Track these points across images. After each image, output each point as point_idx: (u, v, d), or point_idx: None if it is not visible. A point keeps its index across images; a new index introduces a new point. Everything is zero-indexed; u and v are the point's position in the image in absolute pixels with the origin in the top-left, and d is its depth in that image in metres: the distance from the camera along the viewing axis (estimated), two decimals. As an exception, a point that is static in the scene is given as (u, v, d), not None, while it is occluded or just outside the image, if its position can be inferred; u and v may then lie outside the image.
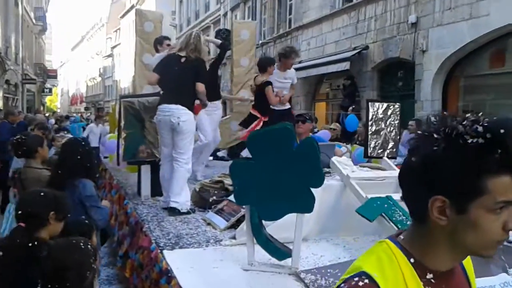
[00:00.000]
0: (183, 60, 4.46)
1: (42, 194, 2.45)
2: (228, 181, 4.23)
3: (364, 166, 3.83)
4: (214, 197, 4.22)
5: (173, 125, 4.32)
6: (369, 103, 4.32)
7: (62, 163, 3.49)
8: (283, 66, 6.08)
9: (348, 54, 11.86)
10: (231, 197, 3.63)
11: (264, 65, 5.96)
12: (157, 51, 6.15)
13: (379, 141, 4.25)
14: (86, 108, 59.97)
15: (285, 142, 2.57)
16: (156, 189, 4.66)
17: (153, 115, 4.35)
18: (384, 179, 3.53)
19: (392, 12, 10.70)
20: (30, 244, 2.20)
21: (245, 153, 5.88)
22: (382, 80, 11.69)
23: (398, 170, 3.35)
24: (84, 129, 17.20)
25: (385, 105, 4.33)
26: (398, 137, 4.47)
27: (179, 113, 4.30)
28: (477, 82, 9.56)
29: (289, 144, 2.58)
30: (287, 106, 6.12)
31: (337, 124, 9.12)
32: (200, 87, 4.43)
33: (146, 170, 4.69)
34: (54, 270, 1.95)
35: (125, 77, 48.75)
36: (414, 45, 9.96)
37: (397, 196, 2.84)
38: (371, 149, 4.20)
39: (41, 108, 32.88)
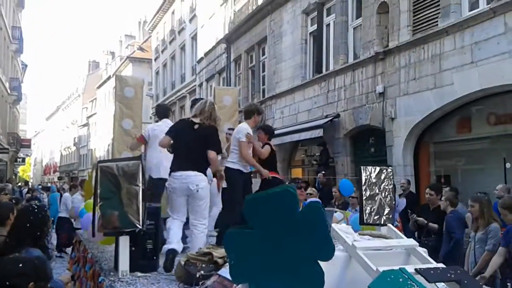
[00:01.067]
0: (196, 126, 4.56)
1: (20, 265, 2.33)
2: (217, 253, 3.87)
3: (364, 234, 3.53)
4: (202, 272, 3.81)
5: (191, 192, 4.44)
6: (362, 168, 4.12)
7: (11, 231, 3.40)
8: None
9: (320, 122, 12.14)
10: (222, 272, 3.35)
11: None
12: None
13: (374, 207, 4.05)
14: (60, 178, 58.95)
15: (287, 208, 2.25)
16: (136, 264, 4.23)
17: (133, 181, 4.07)
18: (391, 249, 3.24)
19: (360, 82, 11.14)
20: None
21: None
22: (354, 146, 11.93)
23: (407, 239, 3.05)
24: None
25: (377, 169, 4.14)
26: (394, 202, 4.30)
27: (197, 179, 4.44)
28: (447, 148, 9.85)
29: (293, 209, 2.27)
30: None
31: (314, 189, 9.16)
32: (213, 155, 4.54)
33: (124, 241, 4.18)
34: None
35: (100, 145, 48.58)
36: (383, 113, 10.29)
37: (410, 268, 2.56)
38: (367, 215, 3.99)
39: (13, 178, 32.15)
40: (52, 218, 15.93)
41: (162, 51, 31.27)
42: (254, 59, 17.66)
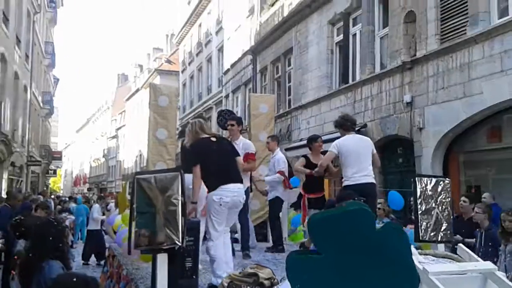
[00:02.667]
0: (214, 139, 4.74)
1: (74, 279, 2.46)
2: (263, 274, 3.62)
3: (426, 254, 3.12)
4: None
5: (238, 205, 4.66)
6: (417, 179, 3.83)
7: (33, 246, 3.47)
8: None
9: (347, 132, 12.05)
10: None
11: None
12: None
13: (430, 222, 3.73)
14: (89, 189, 60.04)
15: (363, 229, 1.88)
16: (175, 283, 3.88)
17: (172, 194, 3.71)
18: (466, 273, 2.87)
19: (387, 92, 11.08)
20: None
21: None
22: (382, 156, 11.77)
23: (483, 262, 2.83)
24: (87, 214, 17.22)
25: (434, 180, 3.86)
26: (452, 218, 3.98)
27: (243, 192, 4.68)
28: (476, 157, 9.67)
29: (369, 231, 1.91)
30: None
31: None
32: (240, 160, 4.99)
33: (162, 260, 3.76)
34: None
35: (129, 157, 49.40)
36: (411, 123, 10.19)
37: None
38: (423, 231, 3.68)
39: (45, 190, 32.95)
40: (80, 230, 16.34)
41: (189, 63, 31.75)
42: (280, 70, 17.76)
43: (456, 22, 9.23)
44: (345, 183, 5.67)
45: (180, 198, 3.66)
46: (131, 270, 5.10)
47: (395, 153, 11.49)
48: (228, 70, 23.45)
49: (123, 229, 5.75)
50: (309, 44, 15.03)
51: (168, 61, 38.29)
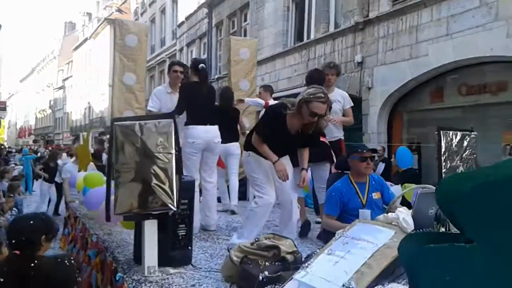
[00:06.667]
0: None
1: (31, 222, 2.58)
2: (284, 247, 2.83)
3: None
4: (266, 273, 2.62)
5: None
6: (441, 132, 3.28)
7: None
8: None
9: (300, 90, 12.33)
10: (299, 277, 2.36)
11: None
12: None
13: None
14: (35, 141, 58.16)
15: None
16: (165, 256, 3.14)
17: (164, 146, 2.99)
18: None
19: (340, 51, 11.38)
20: (32, 264, 2.35)
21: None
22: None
23: None
24: (34, 161, 16.85)
25: (459, 134, 3.39)
26: None
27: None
28: (420, 116, 10.26)
29: None
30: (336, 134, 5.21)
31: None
32: None
33: (151, 228, 3.04)
34: (44, 285, 2.11)
35: (77, 109, 47.95)
36: (361, 82, 10.60)
37: None
38: None
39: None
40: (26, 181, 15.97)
41: (142, 14, 30.72)
42: (236, 25, 17.64)
43: (408, -15, 9.53)
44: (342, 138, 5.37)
45: (174, 151, 2.99)
46: (102, 236, 4.24)
47: (345, 111, 11.93)
48: (182, 22, 22.97)
49: (91, 189, 4.98)
50: (266, 0, 14.99)
51: (119, 10, 36.83)
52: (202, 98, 4.66)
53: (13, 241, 2.50)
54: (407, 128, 10.48)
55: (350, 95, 10.94)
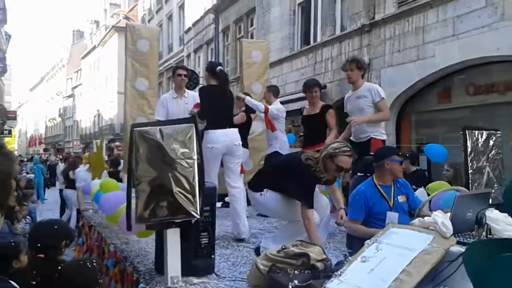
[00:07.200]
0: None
1: (56, 227, 2.75)
2: (314, 254, 2.73)
3: None
4: (296, 282, 2.56)
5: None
6: (467, 132, 3.21)
7: None
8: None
9: (308, 93, 12.42)
10: (332, 285, 2.32)
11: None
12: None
13: (482, 182, 3.18)
14: (45, 150, 58.70)
15: None
16: (188, 265, 3.05)
17: (186, 152, 2.89)
18: None
19: (347, 54, 11.43)
20: (59, 267, 2.47)
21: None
22: (340, 116, 12.28)
23: None
24: (47, 169, 17.10)
25: (485, 134, 3.28)
26: (503, 177, 3.38)
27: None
28: (427, 117, 10.28)
29: None
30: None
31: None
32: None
33: (174, 237, 2.95)
34: (67, 286, 2.22)
35: (86, 117, 48.37)
36: (366, 84, 10.64)
37: None
38: None
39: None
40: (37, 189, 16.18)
41: (149, 21, 30.98)
42: (242, 30, 17.76)
43: (413, -14, 9.58)
44: (384, 136, 5.14)
45: (195, 157, 2.89)
46: (119, 245, 4.17)
47: (353, 113, 11.97)
48: (189, 28, 23.16)
49: (105, 195, 4.87)
50: (272, 5, 15.09)
51: (126, 18, 37.11)
52: (221, 101, 4.57)
53: (39, 245, 2.62)
54: (415, 129, 10.50)
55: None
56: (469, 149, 3.15)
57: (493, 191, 2.97)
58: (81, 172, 7.90)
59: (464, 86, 9.12)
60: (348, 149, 3.44)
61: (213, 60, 19.69)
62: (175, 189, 2.80)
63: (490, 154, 3.27)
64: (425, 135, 10.32)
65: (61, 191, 11.00)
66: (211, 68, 4.71)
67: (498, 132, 3.42)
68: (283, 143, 6.34)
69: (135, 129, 2.91)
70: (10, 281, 1.11)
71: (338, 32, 12.13)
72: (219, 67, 4.69)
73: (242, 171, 5.74)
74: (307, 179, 3.46)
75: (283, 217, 3.69)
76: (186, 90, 5.60)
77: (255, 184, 3.76)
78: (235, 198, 4.56)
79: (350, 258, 2.60)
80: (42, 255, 2.57)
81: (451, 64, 8.77)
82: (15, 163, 1.10)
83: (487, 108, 8.75)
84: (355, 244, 3.49)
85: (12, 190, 1.19)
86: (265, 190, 3.63)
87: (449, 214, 2.52)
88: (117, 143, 24.06)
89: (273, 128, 6.06)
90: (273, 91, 6.58)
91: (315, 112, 5.83)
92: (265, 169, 4.11)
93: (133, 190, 2.90)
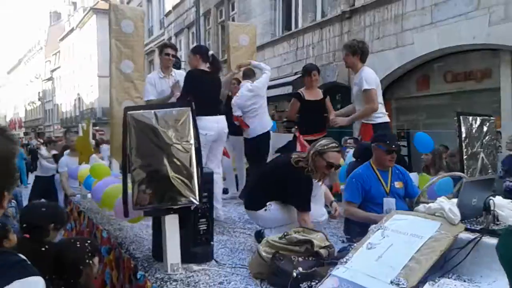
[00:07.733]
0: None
1: (44, 209, 2.81)
2: (317, 241, 2.68)
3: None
4: (300, 269, 2.47)
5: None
6: (460, 117, 3.16)
7: None
8: None
9: (290, 79, 12.52)
10: (339, 272, 2.27)
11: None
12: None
13: (476, 168, 3.15)
14: (26, 133, 57.81)
15: None
16: (186, 252, 2.97)
17: (183, 136, 2.83)
18: None
19: (328, 40, 11.51)
20: (43, 249, 2.54)
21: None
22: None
23: None
24: (28, 153, 16.87)
25: (479, 120, 3.27)
26: (497, 163, 3.34)
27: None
28: (407, 103, 10.47)
29: None
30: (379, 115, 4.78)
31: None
32: None
33: (173, 223, 2.87)
34: (54, 265, 2.31)
35: (66, 100, 47.65)
36: (349, 71, 10.73)
37: None
38: None
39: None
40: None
41: (128, 3, 30.44)
42: (224, 14, 17.63)
43: (393, -26, 9.64)
44: (379, 120, 4.77)
45: (193, 141, 2.83)
46: (113, 231, 4.03)
47: (334, 99, 12.00)
48: (170, 12, 22.86)
49: (100, 182, 4.66)
50: (253, -11, 15.02)
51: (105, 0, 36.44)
52: (211, 87, 4.56)
53: (24, 225, 2.71)
54: (396, 116, 10.68)
55: (339, 84, 11.21)
56: (463, 135, 3.13)
57: (489, 175, 3.02)
58: (63, 157, 7.44)
59: (442, 73, 9.31)
60: (336, 145, 3.42)
61: (195, 44, 19.55)
62: (172, 173, 2.73)
63: (484, 140, 3.28)
64: (405, 122, 10.52)
65: None
66: (204, 51, 4.62)
67: (492, 118, 3.44)
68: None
69: (128, 112, 2.80)
70: (19, 254, 1.20)
71: (319, 18, 12.17)
72: (211, 52, 4.63)
73: (226, 155, 5.81)
74: (304, 185, 3.39)
75: (294, 220, 3.52)
76: (173, 69, 5.44)
77: (253, 202, 3.61)
78: (216, 184, 4.48)
79: (355, 245, 2.57)
80: (27, 235, 2.65)
81: (429, 51, 8.92)
82: (17, 144, 1.19)
83: (465, 95, 8.96)
84: (352, 230, 3.55)
85: (16, 170, 1.24)
86: (268, 204, 3.49)
87: (454, 200, 2.50)
88: (97, 128, 23.76)
89: (244, 125, 5.70)
90: (247, 75, 6.08)
91: (319, 98, 5.64)
92: (256, 183, 3.89)
93: (129, 175, 2.81)
